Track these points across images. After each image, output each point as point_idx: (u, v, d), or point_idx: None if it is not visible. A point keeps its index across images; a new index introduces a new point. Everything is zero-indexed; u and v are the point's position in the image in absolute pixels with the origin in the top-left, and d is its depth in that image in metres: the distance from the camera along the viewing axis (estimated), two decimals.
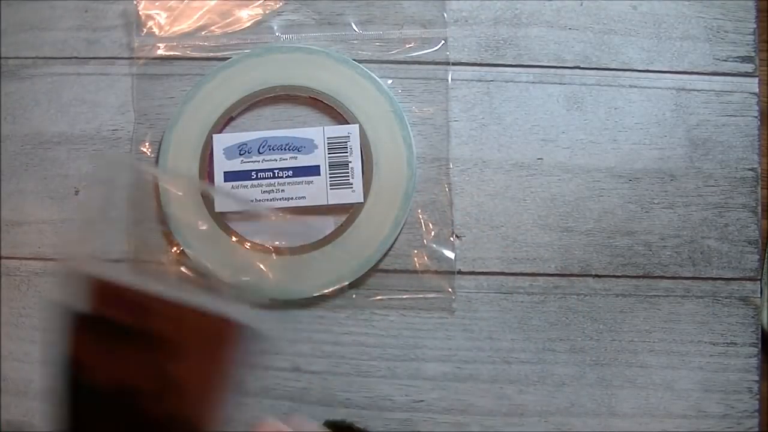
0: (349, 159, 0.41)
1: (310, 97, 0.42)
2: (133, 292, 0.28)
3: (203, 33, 0.43)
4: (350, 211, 0.42)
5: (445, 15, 0.43)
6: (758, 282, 0.42)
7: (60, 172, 0.44)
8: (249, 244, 0.41)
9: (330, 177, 0.41)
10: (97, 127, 0.44)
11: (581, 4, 0.44)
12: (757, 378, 0.41)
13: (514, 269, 0.42)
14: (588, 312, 0.42)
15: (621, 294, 0.42)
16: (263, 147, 0.42)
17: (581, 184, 0.42)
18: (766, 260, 0.42)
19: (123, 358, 0.28)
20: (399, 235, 0.42)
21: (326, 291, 0.41)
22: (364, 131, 0.42)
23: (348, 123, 0.42)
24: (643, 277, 0.42)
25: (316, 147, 0.42)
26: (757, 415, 0.41)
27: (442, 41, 0.43)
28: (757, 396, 0.41)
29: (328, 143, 0.42)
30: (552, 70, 0.43)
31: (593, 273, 0.42)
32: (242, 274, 0.41)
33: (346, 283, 0.41)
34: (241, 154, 0.42)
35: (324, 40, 0.43)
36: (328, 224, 0.42)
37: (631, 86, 0.43)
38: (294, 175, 0.42)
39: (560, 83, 0.43)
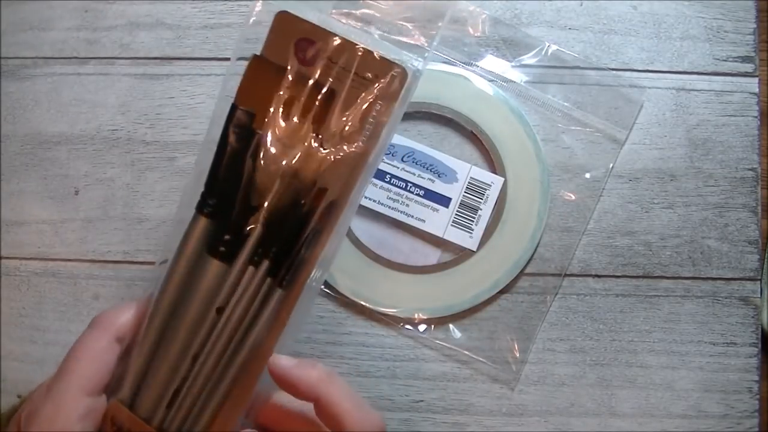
0: (481, 206, 0.41)
1: (471, 132, 0.42)
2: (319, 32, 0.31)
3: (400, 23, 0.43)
4: (459, 254, 0.42)
5: None
6: (758, 282, 0.42)
7: (60, 172, 0.44)
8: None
9: (456, 214, 0.41)
10: (97, 127, 0.44)
11: (581, 4, 0.44)
12: (757, 378, 0.41)
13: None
14: (588, 312, 0.42)
15: (621, 294, 0.42)
16: (408, 157, 0.42)
17: (581, 184, 0.42)
18: (766, 260, 0.42)
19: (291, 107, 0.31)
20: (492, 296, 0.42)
21: (398, 316, 0.41)
22: (506, 187, 0.42)
23: (495, 173, 0.42)
24: (643, 277, 0.42)
25: (456, 180, 0.41)
26: (757, 415, 0.41)
27: None
28: (757, 396, 0.41)
29: (469, 182, 0.41)
30: (552, 70, 0.43)
31: (593, 273, 0.42)
32: None
33: (423, 316, 0.41)
34: (385, 153, 0.42)
35: (505, 81, 0.43)
36: (433, 256, 0.42)
37: (631, 86, 0.43)
38: (424, 197, 0.42)
39: (560, 83, 0.43)
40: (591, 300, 0.42)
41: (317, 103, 0.31)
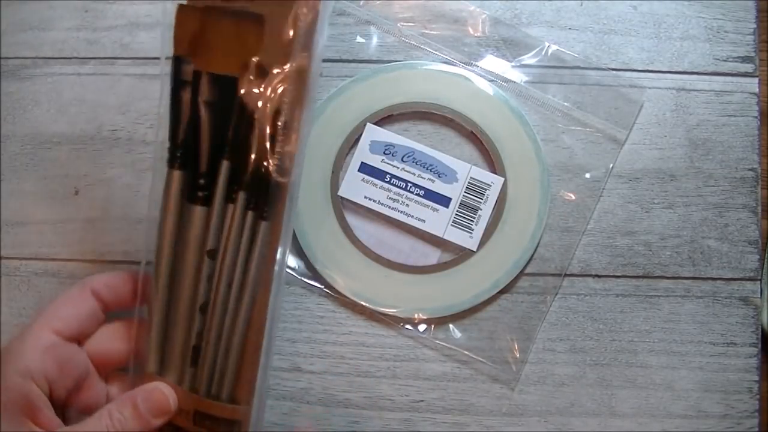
0: (481, 206, 0.41)
1: (471, 132, 0.42)
2: None
3: (400, 23, 0.43)
4: (459, 254, 0.42)
5: None
6: (758, 282, 0.42)
7: (60, 172, 0.44)
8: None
9: (456, 214, 0.41)
10: (97, 127, 0.44)
11: (581, 4, 0.44)
12: (757, 378, 0.41)
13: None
14: (588, 312, 0.42)
15: (621, 294, 0.42)
16: (408, 157, 0.42)
17: (581, 184, 0.42)
18: (766, 260, 0.42)
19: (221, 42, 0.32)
20: (492, 296, 0.42)
21: (398, 316, 0.41)
22: (506, 187, 0.42)
23: (495, 173, 0.42)
24: (643, 277, 0.42)
25: (456, 180, 0.41)
26: (757, 415, 0.41)
27: None
28: (757, 396, 0.41)
29: (469, 182, 0.41)
30: (552, 70, 0.43)
31: (593, 273, 0.42)
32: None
33: (423, 316, 0.41)
34: (384, 153, 0.42)
35: (505, 82, 0.43)
36: (433, 256, 0.42)
37: (631, 86, 0.43)
38: (424, 197, 0.42)
39: (560, 83, 0.43)
40: (591, 300, 0.42)
41: (249, 30, 0.32)
